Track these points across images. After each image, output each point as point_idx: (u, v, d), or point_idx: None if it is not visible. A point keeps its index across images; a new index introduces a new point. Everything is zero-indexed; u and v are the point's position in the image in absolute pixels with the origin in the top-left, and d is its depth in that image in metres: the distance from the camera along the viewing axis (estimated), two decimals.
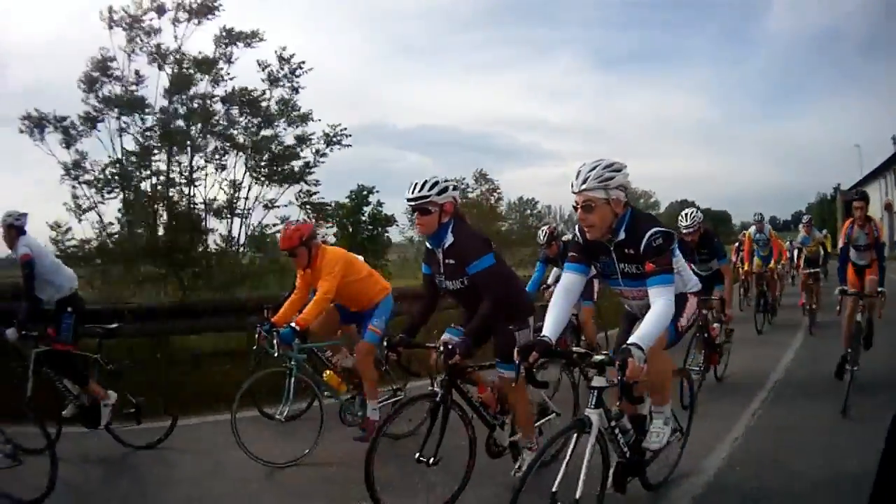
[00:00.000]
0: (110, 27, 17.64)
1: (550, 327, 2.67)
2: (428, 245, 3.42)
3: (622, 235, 2.74)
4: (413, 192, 3.22)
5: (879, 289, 5.14)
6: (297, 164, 19.40)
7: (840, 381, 5.12)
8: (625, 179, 2.69)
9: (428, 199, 3.20)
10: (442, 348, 3.13)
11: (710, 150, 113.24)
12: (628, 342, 2.44)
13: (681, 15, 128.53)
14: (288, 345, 4.06)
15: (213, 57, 18.44)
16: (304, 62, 19.09)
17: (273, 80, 18.99)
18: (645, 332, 2.50)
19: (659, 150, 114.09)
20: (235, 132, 19.04)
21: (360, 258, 4.78)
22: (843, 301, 5.37)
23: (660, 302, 2.61)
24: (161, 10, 17.81)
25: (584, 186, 2.64)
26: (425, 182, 3.23)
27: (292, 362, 4.13)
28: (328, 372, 4.29)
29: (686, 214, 5.75)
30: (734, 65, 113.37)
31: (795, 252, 11.04)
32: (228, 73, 18.72)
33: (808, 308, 8.67)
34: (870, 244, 5.56)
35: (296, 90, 19.20)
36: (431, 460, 3.06)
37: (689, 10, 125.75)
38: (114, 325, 4.75)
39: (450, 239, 3.29)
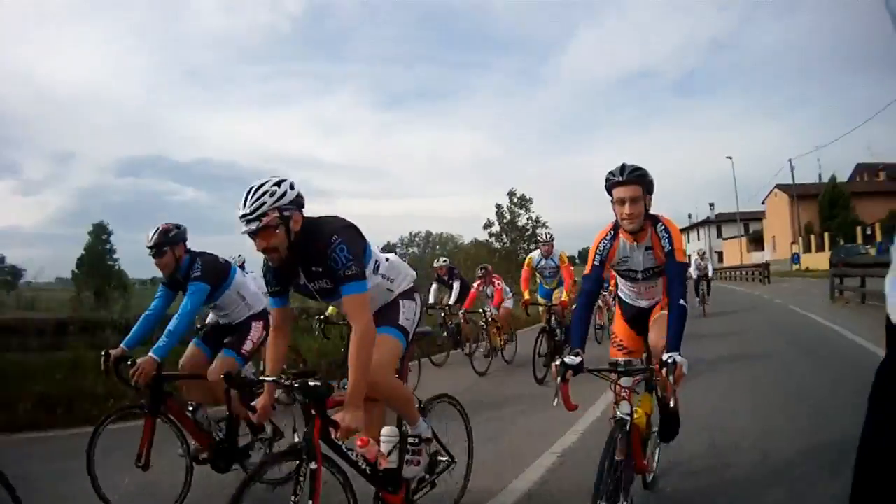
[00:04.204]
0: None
1: None
2: None
3: None
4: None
5: (668, 357, 2.52)
6: None
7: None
8: None
9: None
10: None
11: (494, 186, 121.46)
12: None
13: (470, 56, 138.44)
14: None
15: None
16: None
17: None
18: None
19: (438, 188, 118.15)
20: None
21: None
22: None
23: None
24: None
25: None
26: None
27: None
28: None
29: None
30: (523, 103, 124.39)
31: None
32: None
33: None
34: (656, 269, 3.05)
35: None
36: None
37: (478, 51, 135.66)
38: None
39: None
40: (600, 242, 3.02)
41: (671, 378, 2.46)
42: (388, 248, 5.31)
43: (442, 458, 3.05)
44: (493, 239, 45.70)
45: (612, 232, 3.02)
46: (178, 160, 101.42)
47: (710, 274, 14.74)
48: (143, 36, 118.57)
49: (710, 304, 14.15)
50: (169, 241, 3.70)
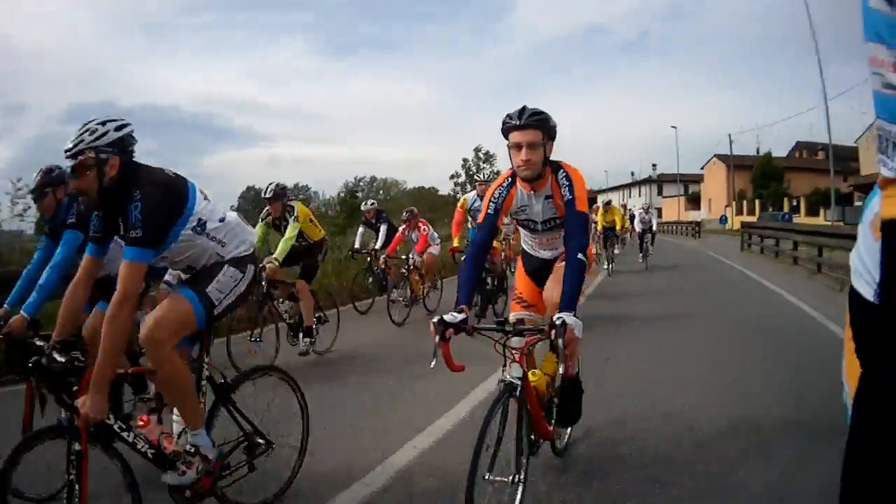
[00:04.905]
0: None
1: None
2: None
3: None
4: None
5: (557, 317, 2.18)
6: None
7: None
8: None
9: None
10: None
11: (437, 136, 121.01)
12: None
13: (422, 6, 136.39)
14: None
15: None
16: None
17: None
18: None
19: (381, 136, 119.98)
20: None
21: None
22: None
23: None
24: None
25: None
26: None
27: None
28: None
29: None
30: (472, 57, 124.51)
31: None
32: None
33: None
34: (558, 219, 2.76)
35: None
36: None
37: (429, 3, 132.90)
38: None
39: None
40: (496, 190, 2.74)
41: (560, 342, 2.15)
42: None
43: (260, 441, 2.75)
44: (458, 188, 54.61)
45: (510, 179, 2.75)
46: (124, 106, 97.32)
47: (653, 227, 15.33)
48: None
49: (652, 253, 14.51)
50: (51, 182, 3.52)
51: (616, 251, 13.18)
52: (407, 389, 4.52)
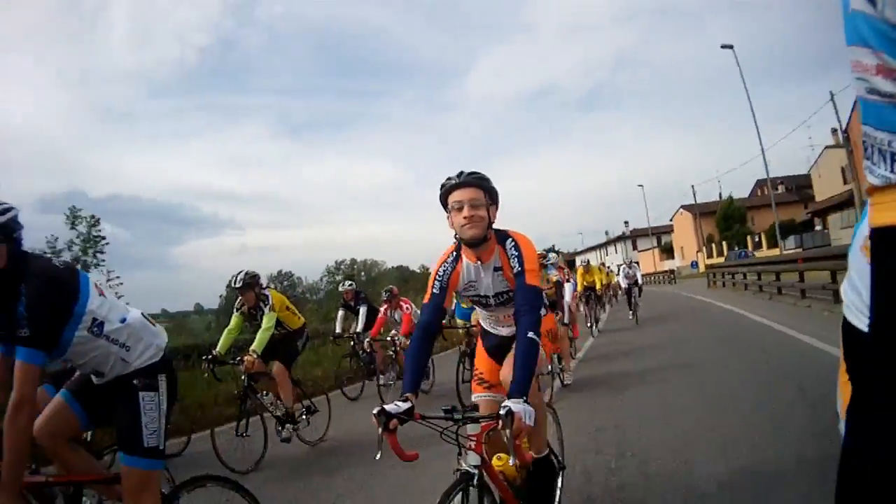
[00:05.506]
0: None
1: None
2: None
3: None
4: None
5: (505, 405, 1.94)
6: None
7: None
8: None
9: None
10: None
11: (407, 211, 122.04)
12: None
13: (376, 83, 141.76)
14: None
15: None
16: None
17: None
18: None
19: (349, 216, 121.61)
20: None
21: None
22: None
23: None
24: None
25: None
26: None
27: None
28: None
29: None
30: (429, 129, 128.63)
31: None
32: None
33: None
34: (511, 293, 2.47)
35: None
36: None
37: (383, 78, 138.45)
38: None
39: None
40: (441, 267, 2.53)
41: (507, 432, 1.92)
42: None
43: None
44: None
45: (455, 254, 2.54)
46: (92, 196, 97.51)
47: (639, 281, 15.12)
48: (52, 71, 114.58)
49: (640, 304, 14.27)
50: None
51: (604, 313, 12.90)
52: (413, 479, 4.12)
